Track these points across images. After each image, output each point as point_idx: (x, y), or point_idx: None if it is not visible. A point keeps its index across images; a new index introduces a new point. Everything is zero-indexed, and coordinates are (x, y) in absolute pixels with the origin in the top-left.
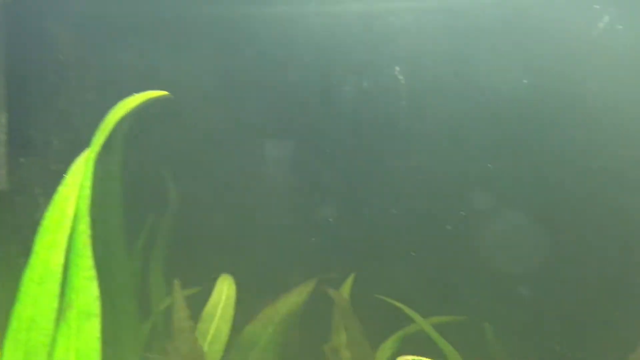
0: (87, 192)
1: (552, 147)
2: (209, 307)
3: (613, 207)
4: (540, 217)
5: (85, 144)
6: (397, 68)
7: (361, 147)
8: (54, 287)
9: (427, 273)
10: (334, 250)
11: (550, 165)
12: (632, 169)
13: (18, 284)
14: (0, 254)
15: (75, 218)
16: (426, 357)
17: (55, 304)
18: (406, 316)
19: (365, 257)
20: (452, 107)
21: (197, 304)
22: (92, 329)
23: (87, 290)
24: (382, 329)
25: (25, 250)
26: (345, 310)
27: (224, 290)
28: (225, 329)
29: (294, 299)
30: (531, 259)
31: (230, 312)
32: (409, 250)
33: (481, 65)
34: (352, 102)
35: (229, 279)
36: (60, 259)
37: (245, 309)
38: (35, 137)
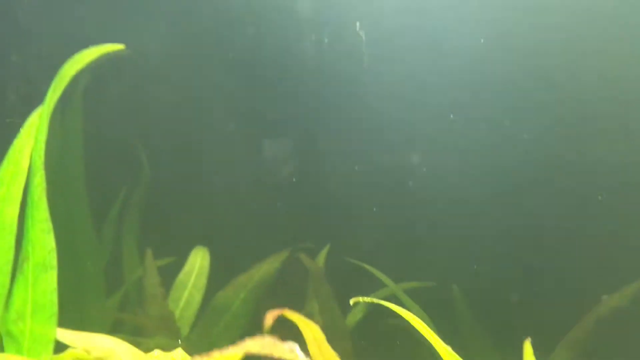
0: (42, 145)
1: (514, 102)
2: (182, 275)
3: (576, 164)
4: (504, 175)
5: (41, 98)
6: (358, 24)
7: (322, 105)
8: (10, 239)
9: (393, 236)
10: (305, 218)
11: (515, 120)
12: (590, 120)
13: None
14: None
15: (30, 171)
16: (395, 320)
17: (10, 256)
18: (375, 282)
19: (335, 223)
20: (413, 63)
21: (171, 275)
22: (49, 281)
23: (43, 243)
24: (353, 294)
25: None
26: (318, 277)
27: (198, 260)
28: (198, 296)
29: (267, 266)
30: (495, 217)
31: (203, 281)
32: (373, 209)
33: (441, 21)
34: (312, 59)
35: (203, 250)
36: (15, 211)
37: (219, 280)
38: None
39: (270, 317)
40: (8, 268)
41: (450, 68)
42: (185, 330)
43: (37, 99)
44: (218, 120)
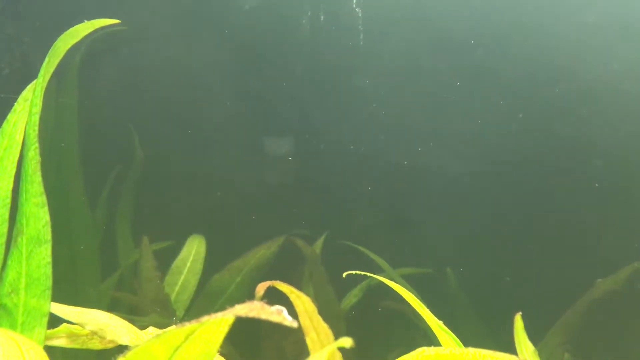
0: (36, 119)
1: (510, 81)
2: (178, 261)
3: (572, 148)
4: (500, 157)
5: (35, 73)
6: (355, 0)
7: (318, 85)
8: (3, 212)
9: (389, 219)
10: (302, 204)
11: (511, 101)
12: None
13: None
14: None
15: (25, 145)
16: (389, 303)
17: (4, 229)
18: (371, 269)
19: (331, 208)
20: (410, 41)
21: (166, 259)
22: (43, 254)
23: (37, 217)
24: (349, 280)
25: None
26: (314, 261)
27: (194, 247)
28: (194, 281)
29: (264, 251)
30: (490, 200)
31: (199, 266)
32: (368, 187)
33: None
34: (308, 36)
35: (200, 237)
36: (8, 184)
37: (215, 265)
38: None
39: (261, 288)
40: (2, 241)
41: (447, 46)
42: (180, 313)
43: (31, 74)
44: (213, 100)
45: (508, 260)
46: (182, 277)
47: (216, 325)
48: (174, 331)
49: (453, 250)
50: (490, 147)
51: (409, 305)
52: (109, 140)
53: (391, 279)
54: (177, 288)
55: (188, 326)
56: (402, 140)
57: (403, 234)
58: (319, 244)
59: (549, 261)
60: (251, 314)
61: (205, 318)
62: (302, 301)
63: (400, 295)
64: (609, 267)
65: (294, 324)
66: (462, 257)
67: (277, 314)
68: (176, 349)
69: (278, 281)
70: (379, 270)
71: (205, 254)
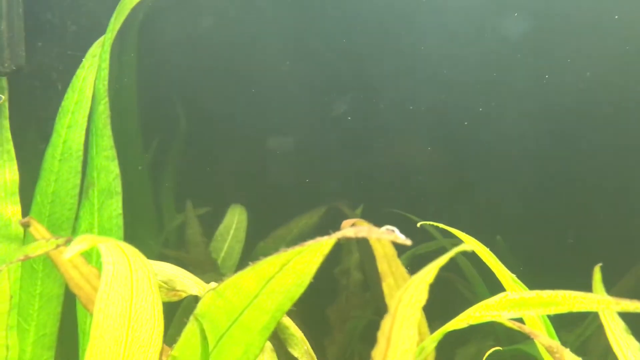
0: (105, 73)
1: (536, 48)
2: (221, 229)
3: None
4: (561, 119)
5: (101, 30)
6: None
7: (377, 41)
8: (76, 164)
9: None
10: (356, 166)
11: (548, 66)
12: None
13: (38, 168)
14: (19, 139)
15: (94, 99)
16: (440, 272)
17: (77, 180)
18: (417, 238)
19: (379, 176)
20: (448, 6)
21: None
22: (115, 206)
23: (108, 170)
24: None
25: (44, 136)
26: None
27: (236, 216)
28: (238, 248)
29: (306, 220)
30: (548, 163)
31: (242, 234)
32: (428, 148)
33: None
34: (346, 4)
35: (240, 207)
36: (80, 138)
37: (256, 235)
38: (52, 21)
39: (347, 224)
40: (75, 192)
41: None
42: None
43: (97, 31)
44: (272, 62)
45: (565, 226)
46: (227, 244)
47: (313, 253)
48: (269, 260)
49: (511, 216)
50: (556, 109)
51: (456, 275)
52: (163, 101)
53: (442, 248)
54: (222, 254)
55: (285, 253)
56: (464, 101)
57: (459, 199)
58: (359, 210)
59: (609, 227)
60: (360, 235)
61: (307, 243)
62: (382, 244)
63: (447, 265)
64: None
65: (408, 242)
66: (519, 222)
67: (388, 233)
68: (268, 281)
69: (360, 219)
70: (429, 239)
71: (247, 223)
